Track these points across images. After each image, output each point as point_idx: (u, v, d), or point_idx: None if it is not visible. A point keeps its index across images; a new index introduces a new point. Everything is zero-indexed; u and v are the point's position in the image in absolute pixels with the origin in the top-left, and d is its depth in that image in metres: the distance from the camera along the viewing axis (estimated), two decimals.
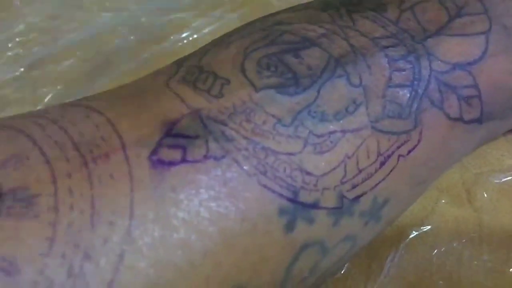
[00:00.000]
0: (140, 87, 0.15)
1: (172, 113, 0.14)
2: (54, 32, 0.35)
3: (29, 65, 0.34)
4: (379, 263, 0.18)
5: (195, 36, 0.31)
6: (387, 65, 0.16)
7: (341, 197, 0.15)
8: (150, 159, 0.13)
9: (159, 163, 0.13)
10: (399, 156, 0.16)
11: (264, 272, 0.14)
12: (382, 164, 0.15)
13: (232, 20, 0.31)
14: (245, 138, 0.14)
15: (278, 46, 0.16)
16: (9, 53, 0.34)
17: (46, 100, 0.31)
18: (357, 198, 0.15)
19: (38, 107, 0.29)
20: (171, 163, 0.13)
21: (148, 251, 0.12)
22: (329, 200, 0.14)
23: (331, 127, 0.15)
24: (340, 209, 0.15)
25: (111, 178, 0.12)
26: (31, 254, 0.11)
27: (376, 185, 0.15)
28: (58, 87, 0.32)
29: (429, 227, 0.19)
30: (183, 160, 0.13)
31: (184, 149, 0.13)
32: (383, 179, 0.15)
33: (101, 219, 0.12)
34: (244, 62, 0.15)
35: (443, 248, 0.18)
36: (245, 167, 0.13)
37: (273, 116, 0.14)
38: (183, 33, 0.31)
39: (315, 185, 0.14)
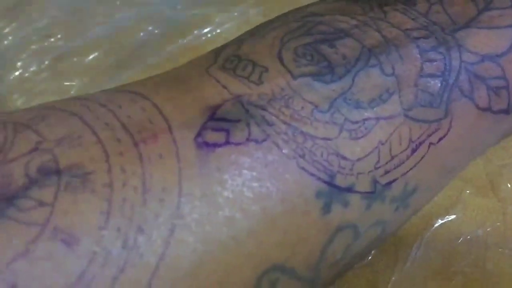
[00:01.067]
0: (180, 74, 0.16)
1: (214, 98, 0.14)
2: (78, 26, 0.35)
3: (54, 58, 0.34)
4: (405, 250, 0.19)
5: (218, 30, 0.32)
6: (418, 55, 0.16)
7: (374, 182, 0.15)
8: (195, 141, 0.13)
9: (204, 145, 0.13)
10: (430, 144, 0.16)
11: (301, 252, 0.14)
12: (414, 151, 0.16)
13: (255, 15, 0.32)
14: (285, 123, 0.14)
15: (313, 36, 0.16)
16: (34, 47, 0.35)
17: (72, 92, 0.32)
18: (389, 183, 0.15)
19: None
20: (216, 145, 0.13)
21: (196, 227, 0.12)
22: (363, 185, 0.15)
23: (366, 114, 0.15)
24: (373, 194, 0.15)
25: (160, 157, 0.13)
26: (89, 226, 0.11)
27: (407, 171, 0.16)
28: (84, 80, 0.33)
29: (454, 216, 0.20)
30: (227, 142, 0.13)
31: (227, 132, 0.14)
32: (414, 166, 0.16)
33: (153, 196, 0.12)
34: (281, 51, 0.16)
35: (468, 236, 0.19)
36: (284, 151, 0.14)
37: (310, 102, 0.15)
38: (206, 27, 0.32)
39: (351, 170, 0.15)
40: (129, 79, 0.32)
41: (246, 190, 0.13)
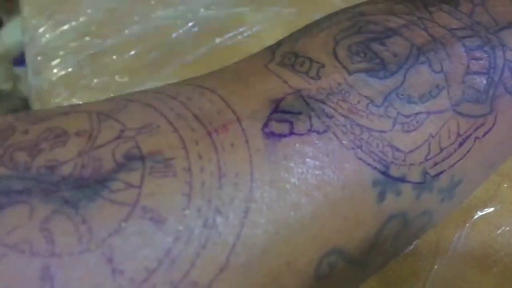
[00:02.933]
0: (240, 70, 0.17)
1: (276, 92, 0.15)
2: (115, 25, 0.37)
3: (92, 55, 0.35)
4: (446, 241, 0.20)
5: (253, 30, 0.33)
6: (464, 54, 0.17)
7: (425, 173, 0.16)
8: (263, 131, 0.14)
9: (271, 135, 0.14)
10: (476, 138, 0.17)
11: (357, 238, 0.15)
12: (461, 144, 0.17)
13: (289, 15, 0.33)
14: (343, 115, 0.15)
15: (364, 35, 0.17)
16: (73, 44, 0.36)
17: (113, 88, 0.33)
18: (437, 175, 0.16)
19: (109, 94, 0.31)
20: (281, 135, 0.14)
21: (267, 210, 0.13)
22: (415, 175, 0.16)
23: (417, 109, 0.16)
24: (422, 184, 0.16)
25: (232, 146, 0.14)
26: (174, 207, 0.12)
27: (454, 164, 0.17)
28: (123, 77, 0.34)
29: (492, 208, 0.20)
30: (291, 133, 0.14)
31: (291, 123, 0.15)
32: (461, 159, 0.17)
33: (228, 180, 0.13)
34: (335, 48, 0.17)
35: (507, 228, 0.20)
36: (343, 142, 0.15)
37: (366, 97, 0.16)
38: (241, 27, 0.33)
39: (403, 161, 0.16)
40: (167, 76, 0.33)
41: (310, 177, 0.14)
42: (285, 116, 0.15)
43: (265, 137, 0.14)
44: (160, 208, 0.12)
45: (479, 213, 0.20)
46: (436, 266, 0.19)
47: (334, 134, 0.15)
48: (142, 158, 0.13)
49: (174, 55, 0.34)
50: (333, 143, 0.15)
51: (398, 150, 0.15)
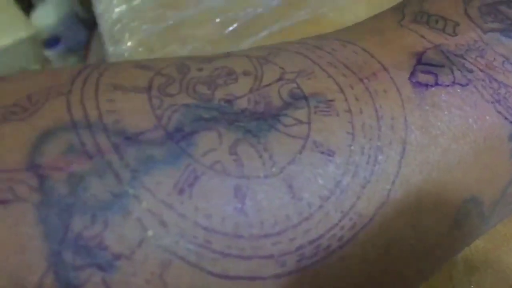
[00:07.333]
0: (374, 26, 0.17)
1: (416, 46, 0.16)
2: None
3: (168, 27, 0.36)
4: None
5: (335, 3, 0.33)
6: None
7: None
8: (410, 80, 0.15)
9: (418, 84, 0.15)
10: None
11: (492, 188, 0.16)
12: None
13: None
14: (481, 71, 0.16)
15: None
16: (150, 14, 0.37)
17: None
18: None
19: None
20: (428, 85, 0.15)
21: (420, 153, 0.14)
22: None
23: None
24: None
25: (384, 92, 0.14)
26: (341, 143, 0.13)
27: None
28: (204, 46, 0.35)
29: None
30: (436, 84, 0.15)
31: (435, 75, 0.15)
32: None
33: (385, 123, 0.14)
34: (466, 9, 0.17)
35: None
36: (484, 95, 0.15)
37: (501, 55, 0.16)
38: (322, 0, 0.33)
39: None
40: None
41: (456, 126, 0.15)
42: (429, 68, 0.15)
43: (413, 86, 0.15)
44: (329, 143, 0.13)
45: None
46: None
47: (475, 87, 0.15)
48: (305, 98, 0.14)
49: (253, 28, 0.35)
50: (475, 96, 0.15)
51: None
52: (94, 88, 0.12)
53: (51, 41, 0.67)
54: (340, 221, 0.13)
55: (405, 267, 0.15)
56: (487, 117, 0.15)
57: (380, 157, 0.13)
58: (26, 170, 0.11)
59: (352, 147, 0.13)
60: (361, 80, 0.15)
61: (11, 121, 0.11)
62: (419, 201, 0.14)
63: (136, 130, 0.12)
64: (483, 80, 0.16)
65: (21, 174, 0.10)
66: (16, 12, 0.60)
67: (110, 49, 0.38)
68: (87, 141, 0.11)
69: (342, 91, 0.14)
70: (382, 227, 0.13)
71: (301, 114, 0.13)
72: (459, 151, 0.15)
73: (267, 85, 0.14)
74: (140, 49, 0.36)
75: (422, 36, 0.16)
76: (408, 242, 0.14)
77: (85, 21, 0.65)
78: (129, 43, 0.37)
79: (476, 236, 0.18)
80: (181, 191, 0.11)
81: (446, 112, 0.15)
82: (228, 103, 0.13)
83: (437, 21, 0.17)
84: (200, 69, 0.14)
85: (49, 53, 0.66)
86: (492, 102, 0.15)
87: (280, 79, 0.14)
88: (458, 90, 0.15)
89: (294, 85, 0.14)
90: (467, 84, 0.15)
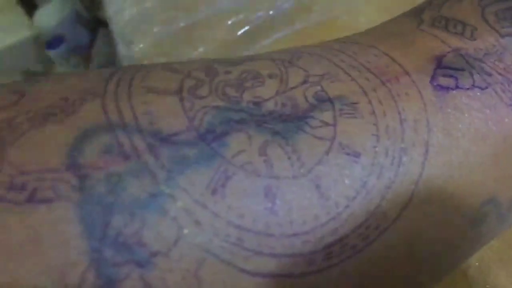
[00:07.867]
0: (394, 30, 0.18)
1: (436, 50, 0.16)
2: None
3: (182, 28, 0.37)
4: None
5: (347, 6, 0.33)
6: None
7: None
8: (431, 83, 0.15)
9: (439, 88, 0.15)
10: None
11: (510, 189, 0.16)
12: None
13: None
14: (500, 74, 0.16)
15: (507, 2, 0.18)
16: (162, 17, 0.38)
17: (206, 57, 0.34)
18: None
19: None
20: (448, 88, 0.15)
21: (442, 155, 0.14)
22: None
23: None
24: None
25: (407, 95, 0.15)
26: (366, 145, 0.13)
27: None
28: (216, 49, 0.35)
29: None
30: (457, 87, 0.15)
31: (456, 78, 0.15)
32: None
33: (408, 125, 0.14)
34: (484, 14, 0.17)
35: None
36: (503, 98, 0.16)
37: None
38: (334, 3, 0.34)
39: None
40: (262, 49, 0.34)
41: (476, 128, 0.15)
42: (449, 72, 0.16)
43: (434, 89, 0.15)
44: (354, 145, 0.13)
45: None
46: None
47: (494, 90, 0.16)
48: (330, 100, 0.14)
49: (266, 31, 0.35)
50: (494, 99, 0.16)
51: None
52: (127, 90, 0.13)
53: (54, 42, 0.67)
54: (365, 220, 0.13)
55: (426, 267, 0.15)
56: (506, 120, 0.16)
57: (404, 159, 0.14)
58: (66, 170, 0.11)
59: (377, 149, 0.14)
60: (383, 83, 0.15)
61: (50, 122, 0.12)
62: (441, 202, 0.14)
63: (170, 131, 0.12)
64: (501, 84, 0.16)
65: (62, 173, 0.11)
66: (19, 12, 0.61)
67: (122, 50, 0.39)
68: (124, 142, 0.12)
69: (365, 94, 0.14)
70: (406, 227, 0.14)
71: (326, 116, 0.14)
72: (479, 153, 0.15)
73: (293, 88, 0.14)
74: (151, 51, 0.36)
75: (442, 40, 0.17)
76: (430, 242, 0.14)
77: (88, 21, 0.65)
78: (141, 45, 0.37)
79: (494, 236, 0.18)
80: (214, 191, 0.12)
81: (466, 115, 0.15)
82: (256, 105, 0.13)
83: (455, 26, 0.17)
84: (228, 72, 0.14)
85: (52, 53, 0.67)
86: (510, 105, 0.16)
87: (304, 82, 0.14)
88: (478, 93, 0.15)
89: (319, 87, 0.14)
90: (486, 88, 0.16)
